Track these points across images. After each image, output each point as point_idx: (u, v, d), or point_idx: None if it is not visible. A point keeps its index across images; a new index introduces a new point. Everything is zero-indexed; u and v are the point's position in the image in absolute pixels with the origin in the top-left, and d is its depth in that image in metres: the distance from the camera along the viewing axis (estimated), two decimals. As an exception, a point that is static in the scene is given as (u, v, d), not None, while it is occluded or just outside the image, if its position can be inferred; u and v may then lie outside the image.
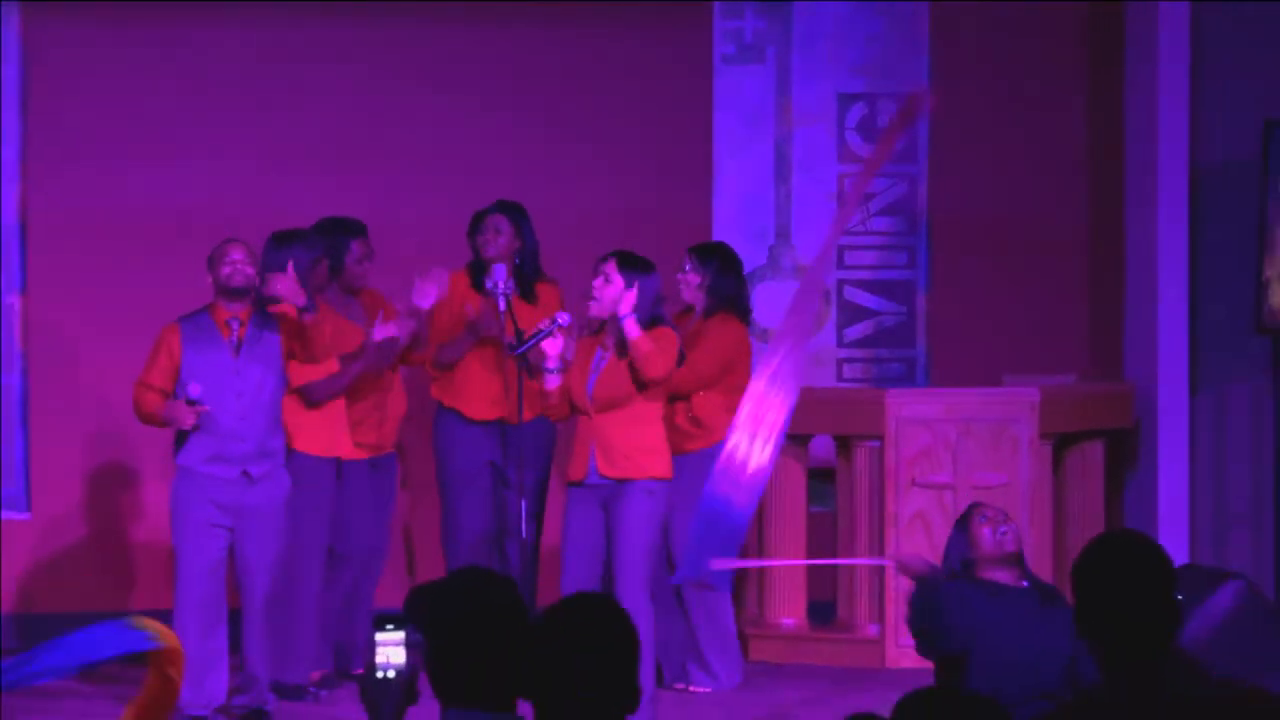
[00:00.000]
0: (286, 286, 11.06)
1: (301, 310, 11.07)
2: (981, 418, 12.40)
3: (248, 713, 11.14)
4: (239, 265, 11.02)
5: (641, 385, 10.96)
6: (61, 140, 13.35)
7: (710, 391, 11.77)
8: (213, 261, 11.05)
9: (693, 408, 11.72)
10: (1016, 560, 8.85)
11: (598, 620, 5.11)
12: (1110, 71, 13.68)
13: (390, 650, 7.63)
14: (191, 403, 10.92)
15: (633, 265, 10.93)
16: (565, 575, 11.04)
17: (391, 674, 7.85)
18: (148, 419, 11.17)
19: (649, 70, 13.61)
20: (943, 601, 8.86)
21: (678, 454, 11.42)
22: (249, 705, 11.15)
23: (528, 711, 5.36)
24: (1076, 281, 13.82)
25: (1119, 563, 5.67)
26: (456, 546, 12.06)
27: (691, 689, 11.83)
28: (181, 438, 11.17)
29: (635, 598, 10.71)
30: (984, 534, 8.79)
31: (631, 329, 10.82)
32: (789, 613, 12.64)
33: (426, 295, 11.78)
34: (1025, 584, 8.84)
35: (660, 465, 11.05)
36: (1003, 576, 8.77)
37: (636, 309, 10.92)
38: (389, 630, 8.10)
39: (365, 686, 7.50)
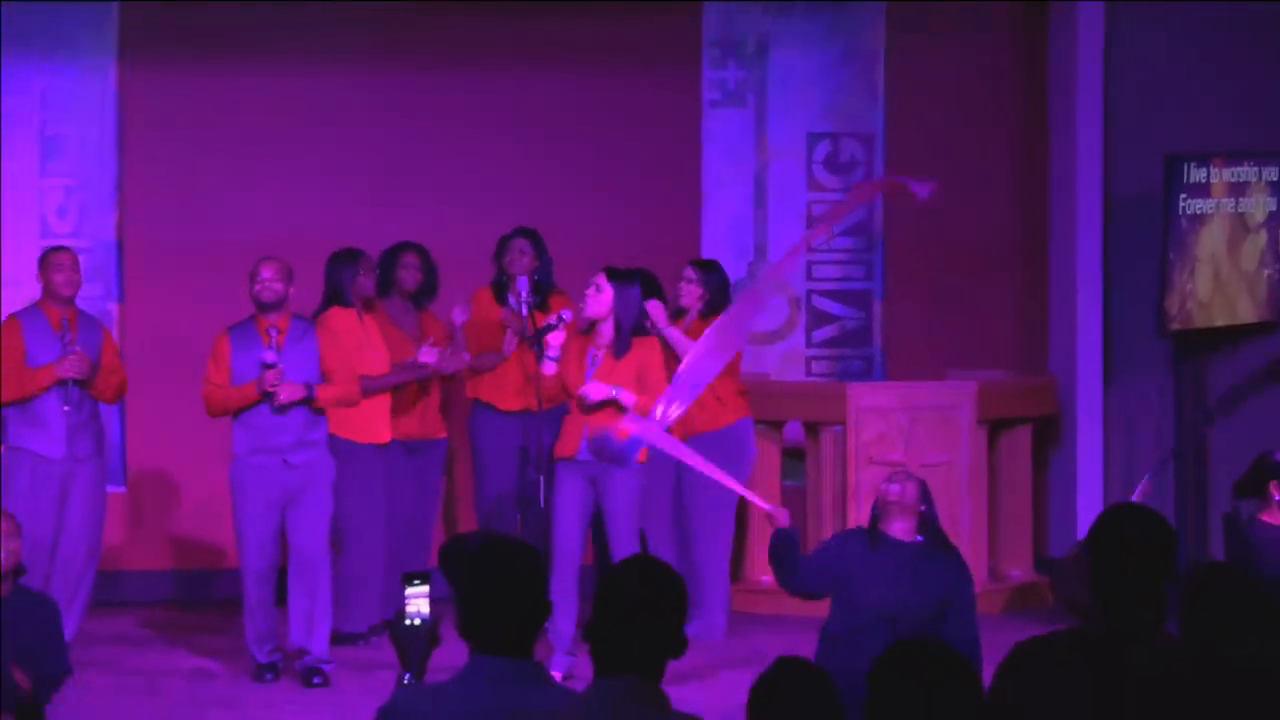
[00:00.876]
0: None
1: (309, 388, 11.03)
2: (928, 406, 12.58)
3: (305, 668, 11.11)
4: (268, 283, 11.02)
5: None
6: (151, 173, 13.30)
7: (722, 376, 11.49)
8: (251, 278, 11.09)
9: (714, 389, 11.54)
10: (914, 513, 9.03)
11: (658, 581, 5.13)
12: (1036, 113, 13.79)
13: (418, 602, 8.05)
14: (268, 366, 10.86)
15: (619, 276, 11.03)
16: (557, 536, 11.03)
17: (418, 622, 8.13)
18: (218, 409, 11.10)
19: (648, 114, 13.66)
20: (800, 559, 9.27)
21: (710, 430, 11.75)
22: (304, 663, 11.12)
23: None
24: (1008, 292, 13.88)
25: (1133, 532, 5.55)
26: (487, 512, 12.23)
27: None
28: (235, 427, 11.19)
29: (627, 547, 10.89)
30: (891, 488, 9.04)
31: (625, 399, 10.84)
32: (765, 571, 12.17)
33: (460, 315, 11.99)
34: (919, 539, 9.03)
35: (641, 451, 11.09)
36: (897, 528, 8.99)
37: (624, 314, 10.97)
38: (416, 585, 8.43)
39: (395, 632, 7.84)
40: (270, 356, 10.93)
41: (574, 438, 11.01)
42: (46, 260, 11.46)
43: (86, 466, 11.31)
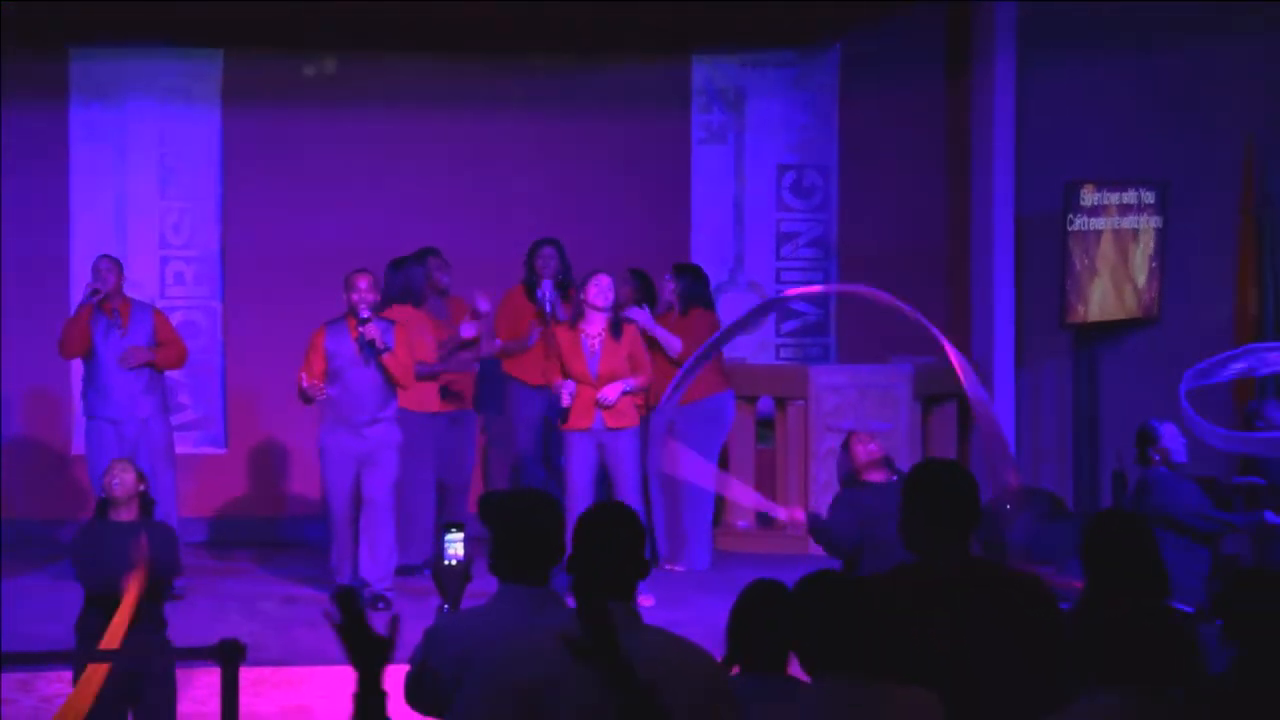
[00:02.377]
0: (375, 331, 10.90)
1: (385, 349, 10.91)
2: (873, 384, 12.58)
3: (373, 595, 11.03)
4: (363, 293, 10.91)
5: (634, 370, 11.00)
6: (247, 196, 13.33)
7: (709, 360, 11.47)
8: (346, 285, 10.97)
9: (704, 370, 11.29)
10: (885, 463, 9.00)
11: (620, 519, 5.05)
12: (961, 148, 13.67)
13: (454, 546, 7.93)
14: (363, 320, 10.79)
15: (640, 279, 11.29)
16: (573, 494, 10.88)
17: (454, 562, 7.98)
18: (308, 389, 10.91)
19: (648, 148, 13.66)
20: (831, 524, 8.99)
21: (700, 399, 11.67)
22: (369, 593, 11.05)
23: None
24: (939, 292, 13.65)
25: (941, 484, 5.64)
26: (519, 468, 12.21)
27: (675, 568, 11.91)
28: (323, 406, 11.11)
29: (637, 505, 10.61)
30: (859, 450, 8.97)
31: (635, 384, 10.96)
32: (742, 517, 12.77)
33: (483, 303, 11.76)
34: (895, 478, 8.85)
35: (636, 417, 11.07)
36: (876, 476, 8.94)
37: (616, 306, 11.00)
38: (453, 532, 8.25)
39: (436, 571, 7.77)
40: (373, 328, 10.85)
41: (585, 412, 10.91)
42: (96, 267, 11.33)
43: (152, 424, 11.34)
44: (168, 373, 11.65)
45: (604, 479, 11.21)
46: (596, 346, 10.98)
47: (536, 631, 4.89)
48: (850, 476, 9.04)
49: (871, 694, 4.80)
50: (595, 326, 10.99)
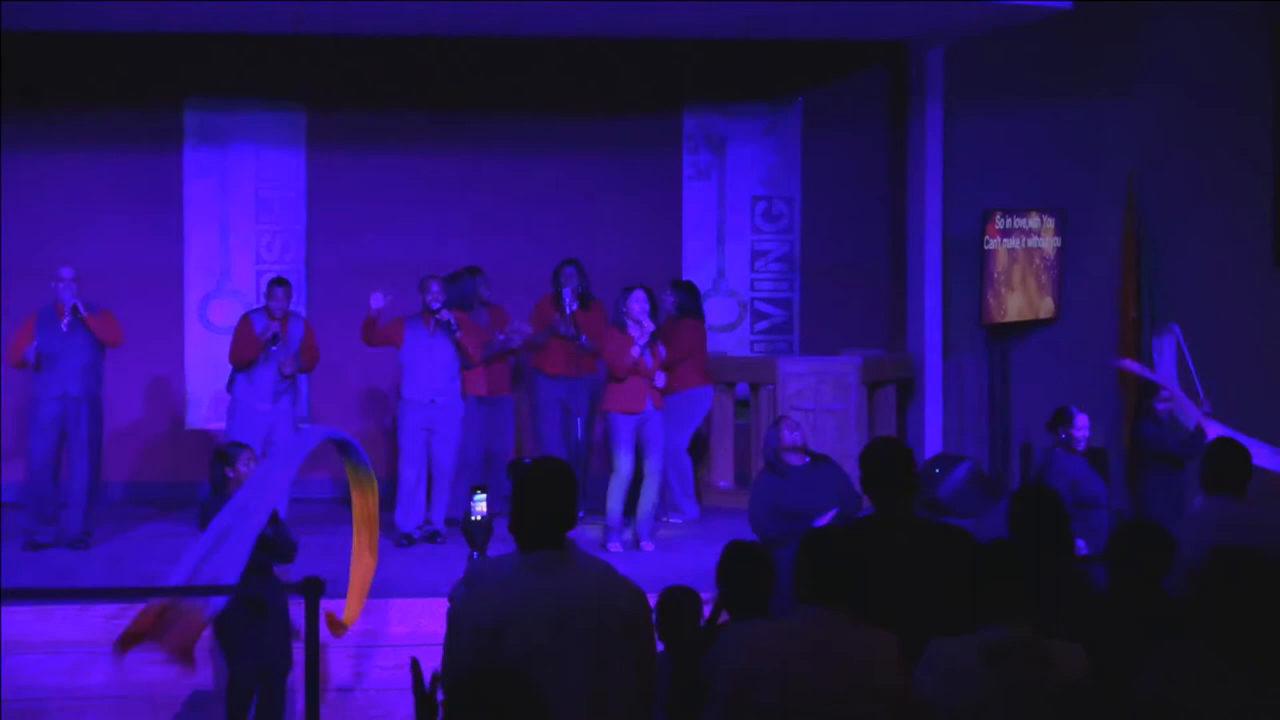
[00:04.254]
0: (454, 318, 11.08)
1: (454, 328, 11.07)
2: (829, 372, 12.45)
3: (429, 532, 11.23)
4: (435, 294, 11.11)
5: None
6: (327, 222, 13.34)
7: (693, 358, 11.78)
8: (420, 288, 11.13)
9: (688, 368, 11.67)
10: (803, 448, 8.82)
11: (556, 474, 4.82)
12: (900, 180, 13.56)
13: (480, 504, 7.97)
14: (434, 312, 10.96)
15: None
16: (620, 462, 10.80)
17: (479, 517, 7.95)
18: (371, 338, 11.06)
19: (647, 184, 13.65)
20: (750, 512, 8.76)
21: (683, 390, 11.65)
22: (428, 529, 11.27)
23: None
24: (881, 298, 13.71)
25: (887, 456, 5.73)
26: (543, 443, 12.08)
27: (671, 519, 11.92)
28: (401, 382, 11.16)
29: (659, 468, 10.93)
30: (784, 433, 8.83)
31: (660, 380, 10.90)
32: (723, 477, 12.79)
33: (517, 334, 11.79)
34: (806, 460, 8.76)
35: (661, 403, 10.99)
36: (793, 458, 8.76)
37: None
38: (479, 494, 8.20)
39: (465, 525, 7.66)
40: (445, 315, 11.06)
41: (641, 399, 10.81)
42: (271, 288, 11.30)
43: (285, 413, 11.31)
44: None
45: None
46: (644, 343, 10.86)
47: (497, 578, 4.81)
48: (774, 454, 8.86)
49: (839, 623, 4.81)
50: (643, 337, 10.84)
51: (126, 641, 7.55)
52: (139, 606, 7.95)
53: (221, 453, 8.55)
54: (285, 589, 8.25)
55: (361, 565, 8.19)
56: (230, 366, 11.38)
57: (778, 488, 8.74)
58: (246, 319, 11.35)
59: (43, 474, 11.05)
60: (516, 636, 4.47)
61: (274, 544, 8.20)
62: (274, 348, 11.21)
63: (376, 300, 11.04)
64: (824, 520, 8.45)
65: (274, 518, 8.29)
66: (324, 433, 8.47)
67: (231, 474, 8.41)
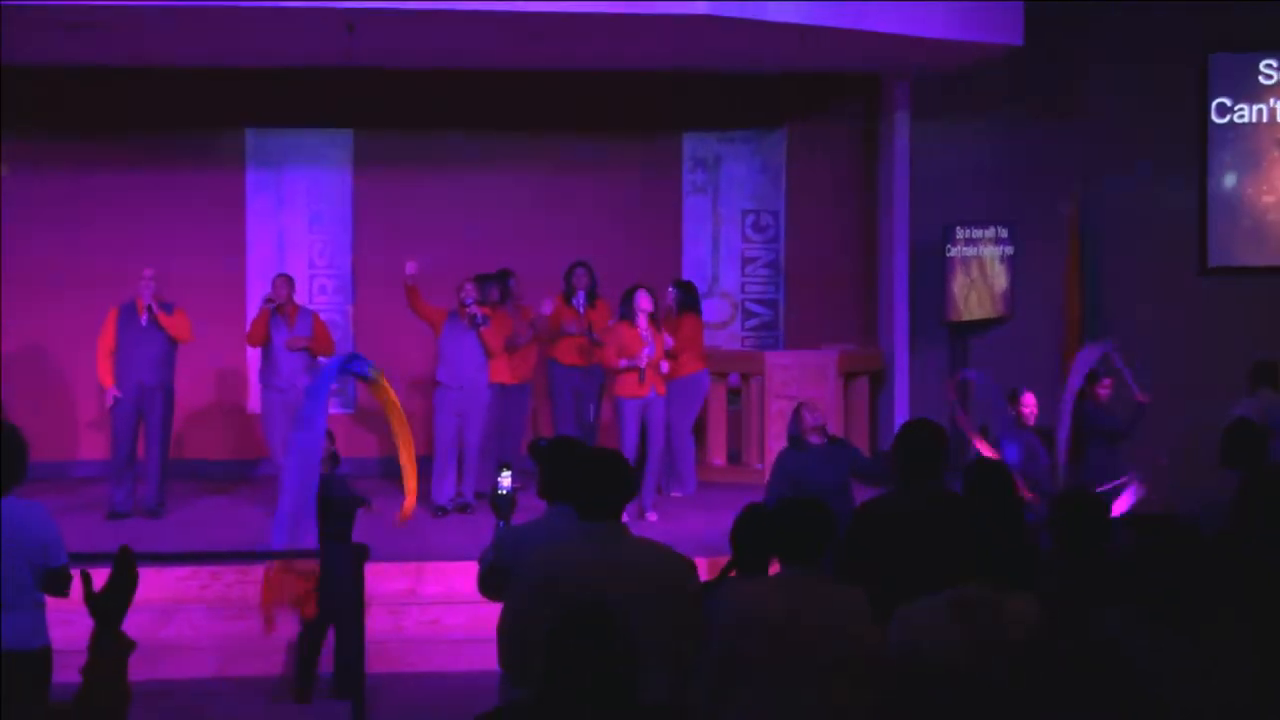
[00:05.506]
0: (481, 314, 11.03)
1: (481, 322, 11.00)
2: (810, 364, 12.36)
3: (460, 504, 11.18)
4: (469, 293, 11.11)
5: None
6: (372, 231, 13.25)
7: (691, 348, 11.71)
8: (457, 289, 11.12)
9: (687, 354, 11.59)
10: (822, 430, 8.72)
11: (620, 458, 4.92)
12: (872, 195, 13.45)
13: (506, 480, 8.20)
14: (465, 307, 10.93)
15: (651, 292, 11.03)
16: (626, 440, 10.78)
17: (505, 491, 8.00)
18: (415, 306, 10.96)
19: (652, 199, 13.58)
20: (768, 490, 8.50)
21: (684, 376, 11.52)
22: (459, 502, 11.21)
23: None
24: (855, 300, 13.59)
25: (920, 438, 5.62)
26: (558, 425, 11.94)
27: (672, 493, 11.80)
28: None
29: (660, 446, 10.92)
30: (805, 416, 8.71)
31: (664, 368, 10.88)
32: (717, 456, 12.65)
33: (548, 307, 11.82)
34: (824, 441, 8.67)
35: (664, 389, 10.97)
36: (814, 438, 8.66)
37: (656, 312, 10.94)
38: (506, 471, 8.27)
39: (493, 498, 7.70)
40: (472, 308, 11.00)
41: (646, 386, 10.79)
42: (275, 281, 11.34)
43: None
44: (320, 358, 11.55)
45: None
46: (649, 336, 10.88)
47: (560, 546, 4.82)
48: (796, 437, 8.73)
49: (812, 580, 4.79)
50: (644, 322, 10.85)
51: (269, 611, 7.92)
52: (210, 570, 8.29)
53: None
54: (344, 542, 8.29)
55: (409, 458, 8.42)
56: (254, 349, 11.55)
57: (798, 463, 8.62)
58: (265, 311, 11.36)
59: (122, 453, 11.08)
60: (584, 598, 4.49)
61: (337, 504, 8.31)
62: (284, 329, 11.21)
63: (410, 267, 10.93)
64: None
65: (331, 480, 8.36)
66: (335, 364, 8.56)
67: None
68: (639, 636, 3.83)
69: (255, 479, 12.59)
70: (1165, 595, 4.52)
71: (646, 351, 10.76)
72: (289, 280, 11.39)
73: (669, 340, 11.20)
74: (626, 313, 10.92)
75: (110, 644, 3.20)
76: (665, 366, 10.95)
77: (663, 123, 13.53)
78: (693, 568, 4.82)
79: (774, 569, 5.10)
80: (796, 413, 8.83)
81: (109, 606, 3.27)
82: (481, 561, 5.50)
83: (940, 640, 4.50)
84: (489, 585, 5.37)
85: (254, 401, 12.91)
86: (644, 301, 10.89)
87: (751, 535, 5.49)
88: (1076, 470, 10.42)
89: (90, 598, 3.27)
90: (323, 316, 11.88)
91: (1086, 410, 10.61)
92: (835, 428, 11.32)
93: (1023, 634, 4.48)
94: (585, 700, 3.57)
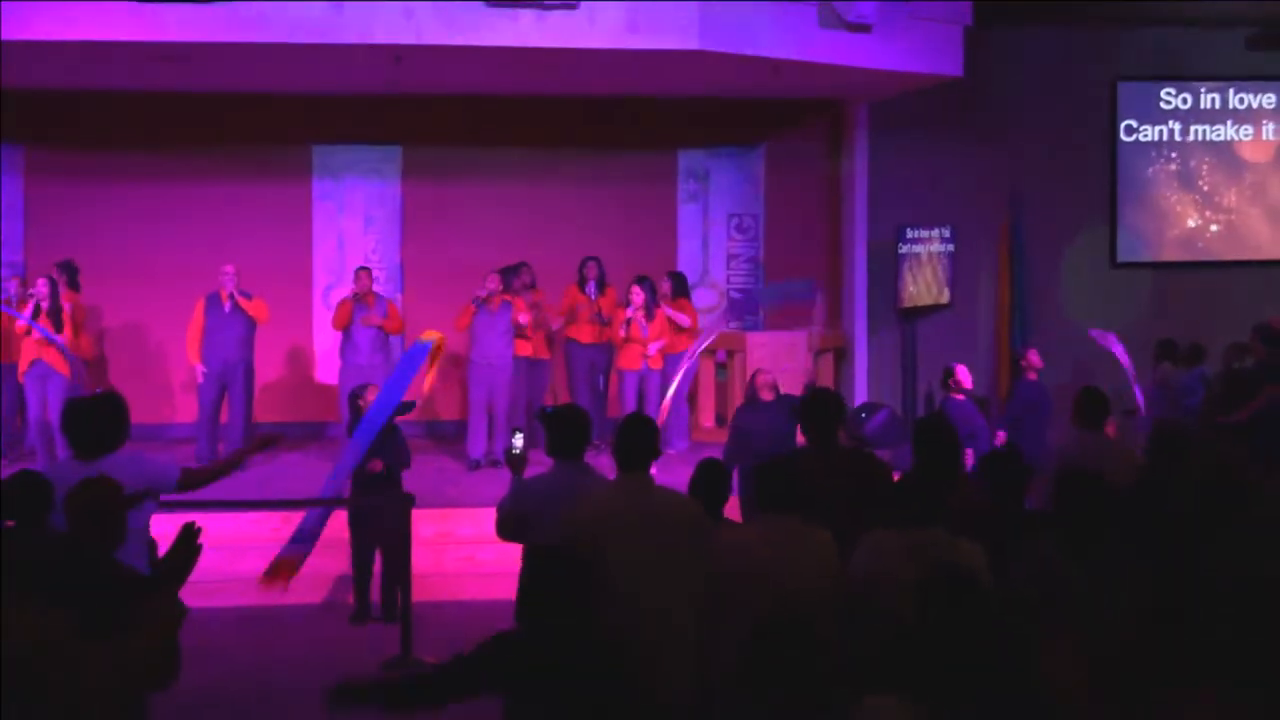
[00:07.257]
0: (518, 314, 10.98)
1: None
2: (785, 343, 12.25)
3: (491, 460, 11.09)
4: (491, 285, 11.05)
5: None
6: (418, 230, 13.14)
7: (683, 330, 11.65)
8: (484, 278, 11.05)
9: (682, 335, 11.51)
10: (773, 387, 8.66)
11: (640, 423, 4.98)
12: (836, 200, 13.22)
13: (519, 440, 8.32)
14: (484, 299, 10.85)
15: (642, 281, 11.16)
16: (625, 406, 10.86)
17: (517, 451, 8.47)
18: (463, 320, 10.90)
19: (651, 206, 13.46)
20: (726, 451, 8.28)
21: (680, 351, 11.40)
22: (491, 458, 11.12)
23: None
24: (823, 288, 13.13)
25: (826, 405, 5.80)
26: (575, 395, 11.79)
27: (668, 451, 11.69)
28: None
29: (655, 412, 10.88)
30: (758, 377, 8.69)
31: (656, 358, 10.96)
32: (706, 419, 12.56)
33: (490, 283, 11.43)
34: (774, 398, 8.60)
35: (661, 363, 10.96)
36: (765, 395, 8.61)
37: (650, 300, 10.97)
38: (519, 433, 8.71)
39: (508, 456, 7.89)
40: (489, 290, 10.95)
41: (640, 361, 10.94)
42: (357, 273, 11.32)
43: (380, 367, 11.15)
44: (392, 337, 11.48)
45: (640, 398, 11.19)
46: (642, 320, 11.03)
47: (578, 487, 4.89)
48: (751, 393, 8.71)
49: (790, 523, 4.76)
50: (637, 310, 11.03)
51: (273, 576, 7.95)
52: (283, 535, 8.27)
53: (354, 392, 8.74)
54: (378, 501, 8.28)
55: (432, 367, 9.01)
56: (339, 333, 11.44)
57: (746, 418, 8.53)
58: (347, 301, 11.31)
59: (206, 415, 11.12)
60: (621, 539, 4.61)
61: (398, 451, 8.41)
62: (363, 312, 11.12)
63: (492, 282, 11.06)
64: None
65: (391, 431, 8.35)
66: (415, 354, 8.74)
67: (363, 404, 8.55)
68: (664, 562, 3.94)
69: (324, 439, 12.64)
70: (1075, 534, 4.52)
71: (650, 343, 10.82)
72: (368, 272, 11.31)
73: (685, 319, 11.21)
74: (628, 298, 11.02)
75: (166, 607, 3.04)
76: (653, 349, 11.02)
77: (660, 141, 13.47)
78: (702, 509, 4.97)
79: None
80: (753, 376, 8.84)
81: (170, 571, 3.15)
82: (500, 509, 5.45)
83: (898, 572, 4.44)
84: (506, 528, 5.33)
85: (322, 374, 12.87)
86: (635, 294, 10.93)
87: (704, 484, 5.53)
88: (1010, 436, 10.19)
89: (155, 561, 3.18)
90: (376, 303, 11.85)
91: (1017, 384, 10.48)
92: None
93: (970, 571, 4.37)
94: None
